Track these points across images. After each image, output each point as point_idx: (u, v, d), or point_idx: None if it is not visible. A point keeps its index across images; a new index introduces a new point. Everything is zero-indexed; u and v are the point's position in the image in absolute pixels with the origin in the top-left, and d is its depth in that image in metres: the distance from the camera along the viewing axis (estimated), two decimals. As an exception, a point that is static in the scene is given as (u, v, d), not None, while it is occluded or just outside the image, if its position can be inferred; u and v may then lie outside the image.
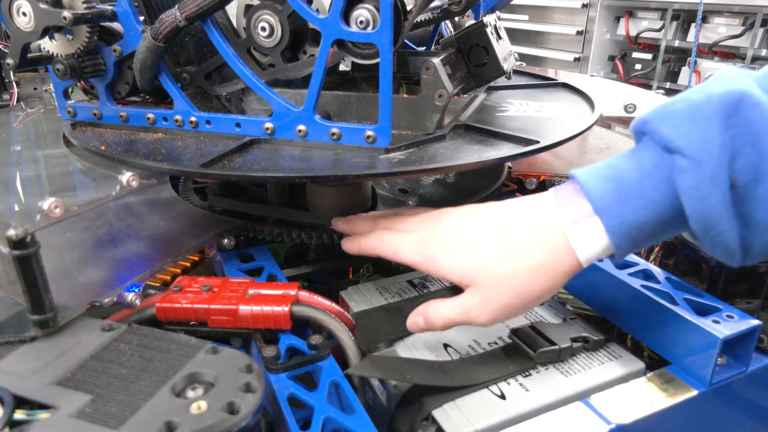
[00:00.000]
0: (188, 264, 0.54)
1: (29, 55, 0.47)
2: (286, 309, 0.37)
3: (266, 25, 0.44)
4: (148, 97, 0.53)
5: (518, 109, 0.55)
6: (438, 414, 0.37)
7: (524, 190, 0.64)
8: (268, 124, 0.44)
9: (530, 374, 0.41)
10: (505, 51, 0.54)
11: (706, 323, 0.40)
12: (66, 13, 0.42)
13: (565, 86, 0.65)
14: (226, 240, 0.47)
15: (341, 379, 0.34)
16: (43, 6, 0.43)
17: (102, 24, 0.46)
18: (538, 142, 0.43)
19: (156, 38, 0.43)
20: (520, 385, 0.40)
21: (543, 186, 0.68)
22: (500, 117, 0.52)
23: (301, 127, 0.43)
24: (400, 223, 0.41)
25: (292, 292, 0.39)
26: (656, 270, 0.47)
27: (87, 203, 0.36)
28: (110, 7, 0.45)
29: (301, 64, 0.45)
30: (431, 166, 0.39)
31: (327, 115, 0.48)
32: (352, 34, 0.39)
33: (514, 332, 0.44)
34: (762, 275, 0.46)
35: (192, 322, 0.39)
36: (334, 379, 0.34)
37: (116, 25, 0.47)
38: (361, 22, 0.39)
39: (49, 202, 0.30)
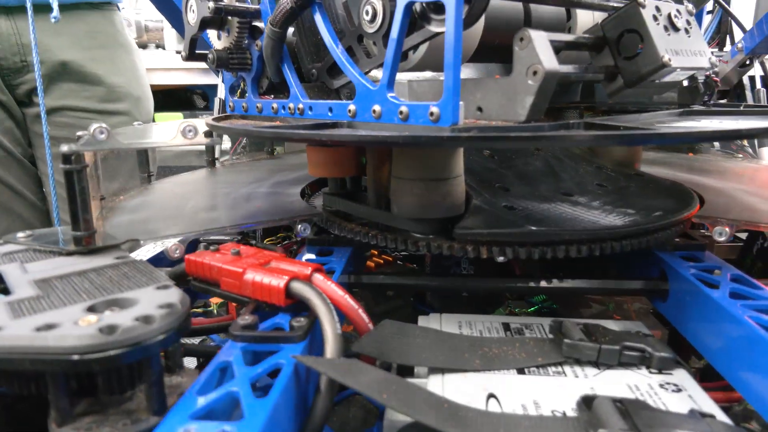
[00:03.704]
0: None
1: (198, 51, 0.55)
2: (282, 284, 0.33)
3: (370, 9, 0.43)
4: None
5: (688, 124, 0.40)
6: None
7: (713, 245, 0.45)
8: (351, 107, 0.42)
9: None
10: (681, 45, 0.41)
11: None
12: (210, 3, 0.48)
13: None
14: (300, 225, 0.45)
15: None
16: (202, 1, 0.50)
17: (254, 24, 0.51)
18: (656, 131, 0.30)
19: (273, 24, 0.46)
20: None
21: (751, 241, 0.48)
22: (654, 126, 0.39)
23: (376, 107, 0.39)
24: None
25: (307, 271, 0.35)
26: None
27: (142, 144, 0.39)
28: (255, 6, 0.50)
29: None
30: (473, 135, 0.30)
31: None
32: (423, -3, 0.34)
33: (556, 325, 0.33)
34: None
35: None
36: (278, 364, 0.28)
37: (262, 24, 0.51)
38: (433, -18, 0.34)
39: (94, 127, 0.33)
